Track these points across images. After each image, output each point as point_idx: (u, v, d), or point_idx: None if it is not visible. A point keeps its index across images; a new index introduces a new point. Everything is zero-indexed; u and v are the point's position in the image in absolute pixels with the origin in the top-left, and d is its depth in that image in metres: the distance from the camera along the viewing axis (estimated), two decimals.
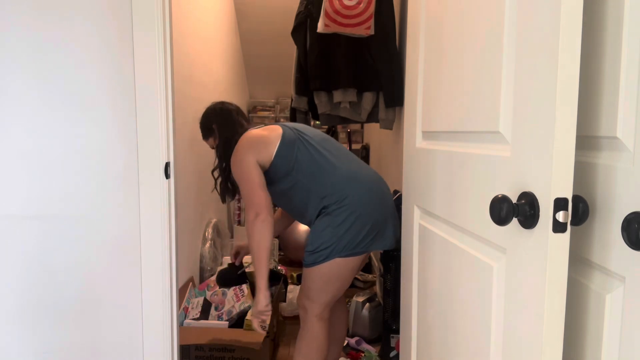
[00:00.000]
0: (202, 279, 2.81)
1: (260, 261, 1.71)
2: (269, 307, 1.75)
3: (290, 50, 2.65)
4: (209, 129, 2.02)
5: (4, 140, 1.78)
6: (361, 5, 2.16)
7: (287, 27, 2.62)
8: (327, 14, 2.18)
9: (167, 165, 1.80)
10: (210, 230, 2.96)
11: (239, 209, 3.84)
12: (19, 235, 1.81)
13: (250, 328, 2.14)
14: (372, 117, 2.43)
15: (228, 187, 1.96)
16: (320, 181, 1.75)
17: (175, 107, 1.87)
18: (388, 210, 1.82)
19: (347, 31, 2.21)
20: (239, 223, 3.77)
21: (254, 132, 1.85)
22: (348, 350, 2.38)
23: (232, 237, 3.64)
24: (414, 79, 1.45)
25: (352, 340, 2.42)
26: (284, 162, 1.77)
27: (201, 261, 2.83)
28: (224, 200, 2.04)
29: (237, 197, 2.04)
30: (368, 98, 2.36)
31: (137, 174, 1.79)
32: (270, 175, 1.79)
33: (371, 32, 2.21)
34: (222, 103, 2.05)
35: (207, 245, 2.88)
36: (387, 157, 3.09)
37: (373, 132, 3.84)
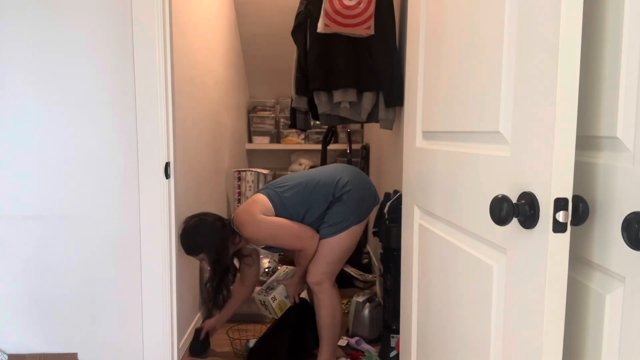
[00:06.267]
0: (201, 279, 2.81)
1: (305, 263, 2.11)
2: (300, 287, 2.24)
3: (290, 50, 2.65)
4: (196, 246, 2.10)
5: (3, 141, 1.78)
6: (361, 5, 2.16)
7: (287, 27, 2.62)
8: (327, 14, 2.18)
9: (167, 165, 1.80)
10: None
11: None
12: (20, 236, 1.81)
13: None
14: (372, 117, 2.43)
15: (219, 298, 2.16)
16: (319, 198, 2.07)
17: (175, 107, 1.87)
18: (369, 185, 2.22)
19: (347, 31, 2.21)
20: None
21: (245, 207, 2.08)
22: (348, 350, 2.38)
23: None
24: (414, 79, 1.45)
25: (352, 340, 2.42)
26: (284, 214, 2.06)
27: (201, 261, 2.83)
28: (218, 307, 2.23)
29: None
30: (368, 98, 2.36)
31: (137, 173, 1.79)
32: None
33: (371, 32, 2.21)
34: (197, 217, 2.13)
35: None
36: (387, 157, 3.10)
37: (373, 132, 3.84)
